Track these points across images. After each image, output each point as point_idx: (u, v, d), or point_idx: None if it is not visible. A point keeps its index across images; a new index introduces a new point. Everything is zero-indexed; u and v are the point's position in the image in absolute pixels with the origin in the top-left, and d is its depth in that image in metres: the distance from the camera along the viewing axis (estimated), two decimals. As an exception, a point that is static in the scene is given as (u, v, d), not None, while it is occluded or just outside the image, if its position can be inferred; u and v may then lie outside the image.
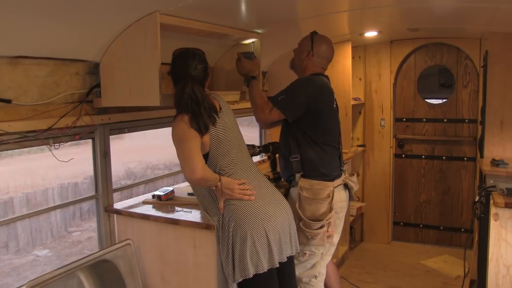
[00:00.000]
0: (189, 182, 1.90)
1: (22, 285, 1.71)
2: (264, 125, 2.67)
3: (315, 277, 2.36)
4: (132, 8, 1.84)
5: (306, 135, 2.28)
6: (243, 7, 2.24)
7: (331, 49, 2.44)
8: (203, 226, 2.02)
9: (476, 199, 2.65)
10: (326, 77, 2.43)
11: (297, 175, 2.30)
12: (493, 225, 2.35)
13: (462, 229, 4.07)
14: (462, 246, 3.95)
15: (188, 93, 1.83)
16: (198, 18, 2.14)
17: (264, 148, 2.78)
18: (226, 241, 1.85)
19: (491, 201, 2.37)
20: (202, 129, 1.82)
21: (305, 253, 2.30)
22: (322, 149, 2.29)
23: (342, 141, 2.51)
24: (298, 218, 2.21)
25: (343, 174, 2.42)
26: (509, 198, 2.33)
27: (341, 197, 2.37)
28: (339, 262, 3.72)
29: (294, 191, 2.32)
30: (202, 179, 1.80)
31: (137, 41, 1.95)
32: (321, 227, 2.23)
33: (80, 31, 1.85)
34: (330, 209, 2.26)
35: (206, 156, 1.88)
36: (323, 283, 2.42)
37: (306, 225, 2.23)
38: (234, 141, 1.97)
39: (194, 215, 2.15)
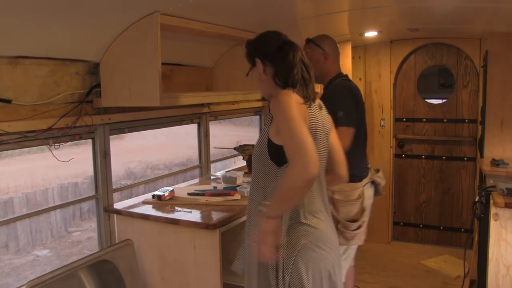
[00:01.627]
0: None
1: (22, 285, 1.71)
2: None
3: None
4: (132, 8, 1.84)
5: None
6: (243, 7, 2.24)
7: (334, 41, 2.43)
8: (203, 226, 2.02)
9: (476, 199, 2.65)
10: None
11: None
12: (493, 225, 2.35)
13: (462, 229, 4.07)
14: (462, 246, 3.94)
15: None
16: (198, 18, 2.15)
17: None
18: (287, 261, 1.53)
19: (491, 201, 2.37)
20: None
21: None
22: (352, 151, 2.19)
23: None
24: (335, 221, 2.17)
25: (369, 171, 2.44)
26: (509, 198, 2.32)
27: (368, 194, 2.40)
28: (339, 262, 3.72)
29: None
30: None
31: (137, 41, 1.95)
32: (359, 227, 2.29)
33: (81, 31, 1.85)
34: (363, 209, 2.32)
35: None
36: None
37: (345, 226, 2.26)
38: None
39: (194, 215, 2.15)
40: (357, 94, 2.35)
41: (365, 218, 2.32)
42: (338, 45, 2.46)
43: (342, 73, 2.44)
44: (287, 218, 1.54)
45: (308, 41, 2.40)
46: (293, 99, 1.49)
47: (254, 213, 1.63)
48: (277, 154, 1.51)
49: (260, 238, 1.47)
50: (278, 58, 1.60)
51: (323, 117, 1.66)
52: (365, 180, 2.37)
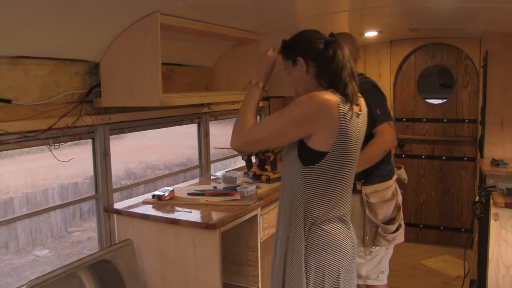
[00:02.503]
0: None
1: (22, 285, 1.71)
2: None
3: (382, 272, 2.39)
4: (132, 8, 1.84)
5: (371, 135, 2.18)
6: (243, 8, 2.24)
7: (354, 39, 2.37)
8: (203, 226, 2.02)
9: (476, 199, 2.65)
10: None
11: (358, 184, 2.24)
12: (493, 225, 2.35)
13: (462, 229, 4.07)
14: (462, 246, 3.95)
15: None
16: (198, 18, 2.15)
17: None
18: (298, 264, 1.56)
19: (491, 201, 2.37)
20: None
21: (371, 251, 2.32)
22: None
23: None
24: (374, 226, 2.22)
25: (395, 168, 2.44)
26: (509, 198, 2.32)
27: (398, 192, 2.40)
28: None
29: (354, 199, 2.17)
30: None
31: (137, 41, 1.95)
32: (398, 227, 2.26)
33: (80, 31, 1.85)
34: (399, 206, 2.29)
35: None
36: (385, 282, 2.43)
37: (385, 230, 2.23)
38: None
39: (194, 215, 2.15)
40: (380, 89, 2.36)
41: (401, 215, 2.30)
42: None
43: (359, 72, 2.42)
44: (301, 219, 1.55)
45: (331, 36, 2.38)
46: (316, 104, 1.47)
47: (283, 214, 1.64)
48: (305, 154, 1.53)
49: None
50: (324, 58, 1.55)
51: (359, 125, 1.58)
52: (394, 177, 2.35)
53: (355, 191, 2.19)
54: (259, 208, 2.35)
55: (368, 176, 2.25)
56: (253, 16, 2.43)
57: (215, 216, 2.12)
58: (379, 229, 2.22)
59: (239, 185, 2.54)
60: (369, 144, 2.13)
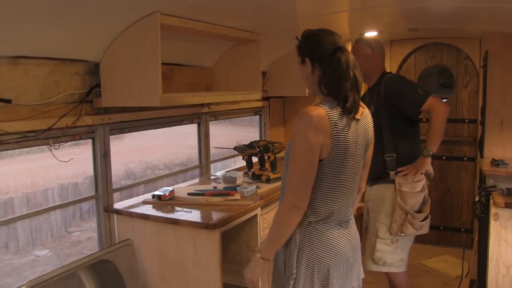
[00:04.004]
0: None
1: (22, 285, 1.71)
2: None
3: (401, 260, 2.46)
4: (132, 8, 1.84)
5: (406, 128, 2.44)
6: (243, 7, 2.24)
7: (381, 43, 2.60)
8: (203, 226, 2.02)
9: (476, 199, 2.64)
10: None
11: (392, 173, 2.40)
12: (493, 225, 2.35)
13: (462, 229, 4.07)
14: (462, 246, 3.95)
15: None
16: (198, 18, 2.15)
17: (264, 148, 2.78)
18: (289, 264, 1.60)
19: (491, 201, 2.37)
20: None
21: (398, 239, 2.41)
22: (415, 142, 2.49)
23: None
24: (404, 212, 2.34)
25: None
26: (509, 198, 2.32)
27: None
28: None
29: (386, 188, 2.42)
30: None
31: (137, 41, 1.95)
32: (426, 217, 2.39)
33: (80, 31, 1.85)
34: (427, 200, 2.42)
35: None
36: (405, 269, 2.49)
37: (414, 217, 2.34)
38: None
39: (194, 215, 2.15)
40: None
41: (429, 208, 2.42)
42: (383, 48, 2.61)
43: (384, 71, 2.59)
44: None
45: (358, 40, 2.57)
46: (311, 124, 1.48)
47: None
48: None
49: (248, 278, 1.66)
50: (328, 64, 1.54)
51: (362, 128, 1.61)
52: (424, 170, 2.43)
53: (388, 180, 2.42)
54: (259, 208, 2.35)
55: (402, 167, 2.40)
56: (253, 16, 2.43)
57: (215, 216, 2.12)
58: (409, 216, 2.33)
59: (239, 185, 2.54)
60: (430, 122, 2.35)
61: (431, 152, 2.35)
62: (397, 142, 2.42)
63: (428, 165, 2.39)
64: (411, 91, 2.36)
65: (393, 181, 2.40)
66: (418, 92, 2.34)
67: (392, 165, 2.41)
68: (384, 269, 2.49)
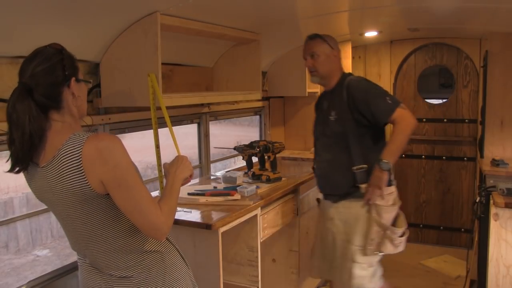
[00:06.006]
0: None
1: (22, 285, 1.71)
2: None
3: (379, 277, 2.27)
4: (132, 8, 1.84)
5: (375, 135, 2.20)
6: (243, 7, 2.24)
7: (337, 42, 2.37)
8: (203, 226, 2.02)
9: (476, 199, 2.65)
10: None
11: (363, 186, 2.16)
12: (493, 225, 2.35)
13: (462, 229, 4.07)
14: (462, 246, 3.95)
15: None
16: (198, 18, 2.15)
17: (264, 148, 2.78)
18: None
19: (491, 201, 2.37)
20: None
21: (371, 263, 2.22)
22: (381, 150, 2.16)
23: None
24: (383, 229, 2.14)
25: None
26: (509, 198, 2.33)
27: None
28: (339, 262, 3.72)
29: (357, 204, 2.19)
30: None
31: (137, 41, 1.95)
32: (404, 233, 2.18)
33: (80, 31, 1.85)
34: (399, 215, 2.20)
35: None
36: (382, 282, 2.30)
37: (394, 232, 2.14)
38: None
39: (194, 215, 2.15)
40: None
41: (405, 224, 2.21)
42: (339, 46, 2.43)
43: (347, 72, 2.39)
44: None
45: (311, 36, 2.30)
46: None
47: None
48: None
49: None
50: None
51: None
52: (395, 183, 2.26)
53: (359, 195, 2.18)
54: (259, 208, 2.35)
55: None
56: (253, 16, 2.43)
57: (215, 216, 2.12)
58: (388, 232, 2.13)
59: (239, 185, 2.54)
60: (393, 133, 2.09)
61: (389, 166, 2.07)
62: (367, 152, 2.18)
63: (386, 180, 2.10)
64: (379, 100, 2.12)
65: (363, 195, 2.17)
66: (386, 101, 2.11)
67: (363, 177, 2.16)
68: None
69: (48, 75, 1.22)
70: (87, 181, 1.17)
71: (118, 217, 1.26)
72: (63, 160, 1.18)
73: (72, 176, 1.17)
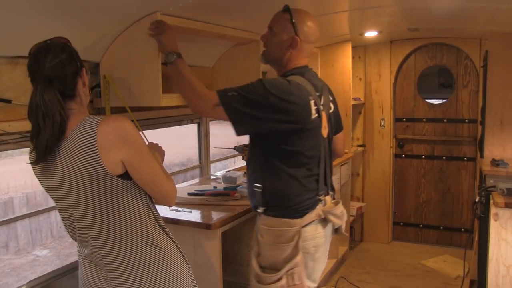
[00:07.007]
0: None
1: (22, 285, 1.71)
2: None
3: None
4: (132, 8, 1.84)
5: (273, 157, 1.71)
6: (243, 7, 2.24)
7: (317, 26, 1.81)
8: (203, 226, 2.02)
9: (476, 199, 2.65)
10: (310, 69, 1.84)
11: (260, 209, 1.77)
12: (493, 225, 2.35)
13: (462, 229, 4.07)
14: (462, 246, 3.95)
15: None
16: (198, 18, 2.14)
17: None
18: None
19: (491, 201, 2.37)
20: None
21: None
22: (290, 176, 1.70)
23: (333, 155, 1.91)
24: (253, 272, 1.74)
25: (320, 204, 1.77)
26: (509, 198, 2.33)
27: (316, 232, 1.76)
28: (339, 262, 3.72)
29: (256, 228, 1.83)
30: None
31: (137, 41, 1.95)
32: (279, 279, 1.66)
33: (80, 31, 1.85)
34: (295, 254, 1.67)
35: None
36: None
37: (260, 279, 1.69)
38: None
39: (194, 215, 2.15)
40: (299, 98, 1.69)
41: (296, 268, 1.67)
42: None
43: (306, 66, 1.83)
44: None
45: (285, 8, 1.82)
46: None
47: None
48: None
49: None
50: None
51: None
52: (311, 216, 1.74)
53: (258, 216, 1.83)
54: (259, 208, 2.35)
55: (272, 205, 1.75)
56: (253, 16, 2.43)
57: (215, 216, 2.12)
58: (253, 276, 1.73)
59: (239, 185, 2.54)
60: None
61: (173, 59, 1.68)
62: (264, 169, 1.77)
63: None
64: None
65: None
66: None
67: (259, 198, 1.78)
68: None
69: (66, 66, 1.29)
70: (100, 160, 1.22)
71: (123, 203, 1.30)
72: (77, 139, 1.23)
73: (85, 154, 1.21)
